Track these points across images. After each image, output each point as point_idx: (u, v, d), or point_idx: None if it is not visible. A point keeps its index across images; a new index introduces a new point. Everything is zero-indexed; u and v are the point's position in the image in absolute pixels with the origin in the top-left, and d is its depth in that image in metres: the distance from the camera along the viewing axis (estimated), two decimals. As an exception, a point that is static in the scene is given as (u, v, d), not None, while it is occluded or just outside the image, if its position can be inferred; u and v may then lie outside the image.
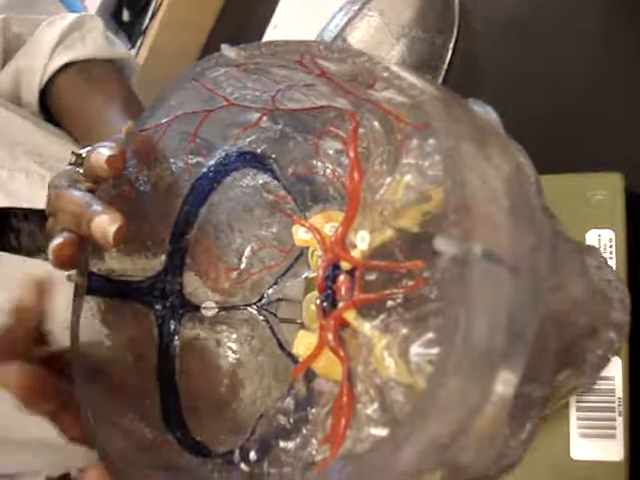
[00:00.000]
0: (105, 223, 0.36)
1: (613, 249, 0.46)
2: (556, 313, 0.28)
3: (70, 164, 0.41)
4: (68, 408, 0.37)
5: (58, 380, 0.38)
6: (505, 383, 0.25)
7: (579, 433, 0.45)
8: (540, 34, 0.61)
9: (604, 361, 0.38)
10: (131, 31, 1.01)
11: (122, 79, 0.71)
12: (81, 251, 0.38)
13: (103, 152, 0.38)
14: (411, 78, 0.27)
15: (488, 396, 0.25)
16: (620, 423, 0.44)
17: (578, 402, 0.45)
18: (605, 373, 0.44)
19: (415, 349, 0.28)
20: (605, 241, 0.46)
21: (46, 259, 0.54)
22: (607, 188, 0.47)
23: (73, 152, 0.41)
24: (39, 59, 0.65)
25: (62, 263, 0.38)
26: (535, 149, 0.34)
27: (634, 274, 0.45)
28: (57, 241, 0.38)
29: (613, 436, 0.44)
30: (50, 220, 0.41)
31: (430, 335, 0.28)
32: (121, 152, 0.38)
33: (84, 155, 0.40)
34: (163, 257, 0.43)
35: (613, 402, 0.45)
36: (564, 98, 0.58)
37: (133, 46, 0.98)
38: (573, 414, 0.45)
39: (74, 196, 0.39)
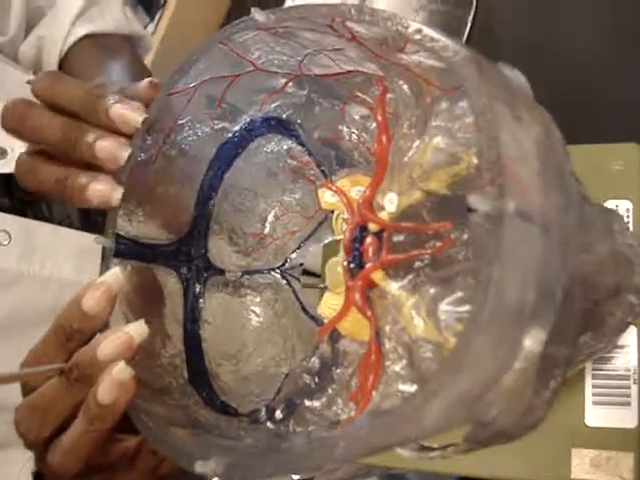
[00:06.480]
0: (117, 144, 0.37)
1: (630, 219, 0.46)
2: (583, 273, 0.29)
3: None
4: None
5: None
6: (534, 339, 0.25)
7: (594, 400, 0.46)
8: (558, 6, 0.61)
9: (623, 325, 0.38)
10: (150, 4, 1.00)
11: (135, 54, 0.71)
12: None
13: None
14: (444, 40, 0.27)
15: (517, 352, 0.25)
16: (635, 391, 0.44)
17: (594, 370, 0.46)
18: (621, 342, 0.45)
19: (444, 307, 0.29)
20: (623, 211, 0.46)
21: (77, 229, 0.55)
22: (625, 159, 0.47)
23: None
24: (60, 29, 0.65)
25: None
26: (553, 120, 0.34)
27: (652, 244, 0.45)
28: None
29: (628, 404, 0.45)
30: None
31: (459, 294, 0.28)
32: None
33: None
34: (188, 222, 0.44)
35: (629, 370, 0.45)
36: (582, 70, 0.58)
37: (152, 19, 0.98)
38: (588, 381, 0.46)
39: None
